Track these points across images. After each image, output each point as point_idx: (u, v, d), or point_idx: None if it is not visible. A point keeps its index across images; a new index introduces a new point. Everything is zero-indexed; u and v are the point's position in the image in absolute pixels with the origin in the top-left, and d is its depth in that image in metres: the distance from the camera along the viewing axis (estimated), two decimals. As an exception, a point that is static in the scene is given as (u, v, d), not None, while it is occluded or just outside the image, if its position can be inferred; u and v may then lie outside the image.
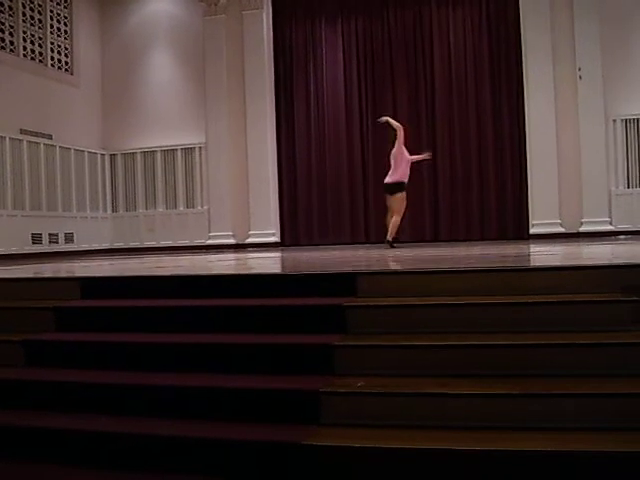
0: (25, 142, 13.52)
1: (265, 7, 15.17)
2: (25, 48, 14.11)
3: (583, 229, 13.29)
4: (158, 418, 4.09)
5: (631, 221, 13.18)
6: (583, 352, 4.07)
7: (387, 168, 11.23)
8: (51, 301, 5.48)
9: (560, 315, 4.40)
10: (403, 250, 10.33)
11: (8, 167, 13.05)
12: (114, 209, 16.05)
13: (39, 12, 14.51)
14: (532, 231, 13.61)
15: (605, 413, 3.62)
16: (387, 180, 11.15)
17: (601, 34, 13.32)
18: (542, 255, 7.83)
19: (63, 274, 7.85)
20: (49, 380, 4.57)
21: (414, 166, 11.40)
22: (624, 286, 4.56)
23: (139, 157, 15.87)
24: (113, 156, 16.04)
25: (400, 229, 11.45)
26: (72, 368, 4.72)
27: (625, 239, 12.16)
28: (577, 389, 3.78)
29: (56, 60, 14.93)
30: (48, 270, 8.54)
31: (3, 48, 13.51)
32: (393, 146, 11.07)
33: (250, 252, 12.79)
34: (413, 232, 14.04)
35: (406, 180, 11.10)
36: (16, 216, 13.20)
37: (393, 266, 6.50)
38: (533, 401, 3.74)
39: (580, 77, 13.32)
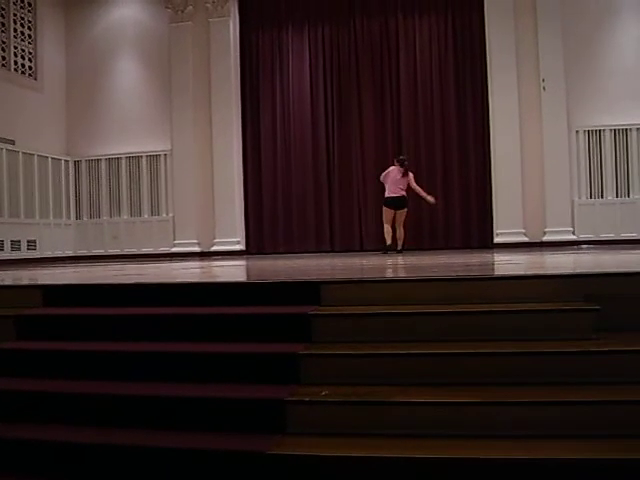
0: (-13, 148, 13.35)
1: (232, 15, 15.15)
2: (-13, 52, 13.96)
3: (546, 238, 13.43)
4: (119, 427, 4.05)
5: (593, 231, 13.36)
6: (547, 360, 4.10)
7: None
8: (12, 309, 5.40)
9: (524, 324, 4.43)
10: (367, 258, 10.36)
11: (-31, 173, 12.87)
12: (78, 216, 15.88)
13: (2, 15, 14.32)
14: (496, 240, 13.72)
15: (570, 421, 3.66)
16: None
17: (564, 46, 13.50)
18: (506, 264, 7.89)
19: (25, 282, 7.75)
20: (10, 389, 4.49)
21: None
22: (586, 295, 4.61)
23: (103, 164, 15.73)
24: (77, 162, 15.87)
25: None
26: (33, 377, 4.65)
27: (587, 249, 12.30)
28: (542, 397, 3.80)
29: (20, 65, 14.75)
30: (9, 278, 8.40)
31: (-35, 52, 13.35)
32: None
33: (215, 260, 12.72)
34: (378, 241, 14.07)
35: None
36: (-23, 223, 13.03)
37: (357, 275, 6.50)
38: (499, 409, 3.76)
39: (544, 88, 13.49)
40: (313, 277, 5.94)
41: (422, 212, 14.30)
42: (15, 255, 13.79)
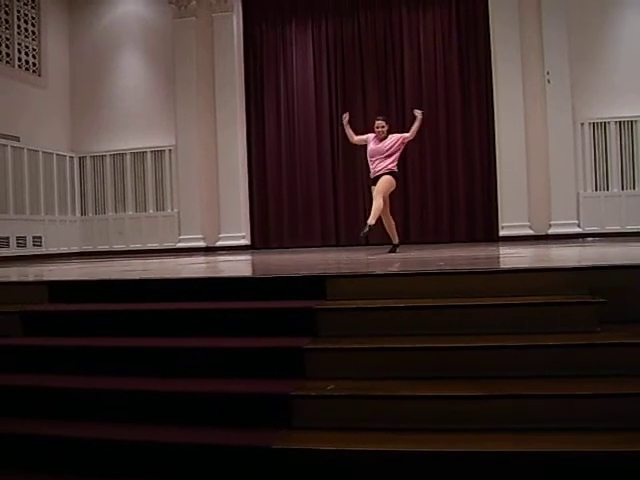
0: (-8, 144, 13.36)
1: (235, 10, 15.13)
2: (-8, 49, 13.96)
3: (552, 231, 13.40)
4: (125, 423, 4.05)
5: (599, 223, 13.32)
6: (552, 353, 4.10)
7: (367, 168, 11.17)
8: (18, 305, 5.41)
9: (529, 317, 4.43)
10: (372, 252, 10.35)
11: (-26, 170, 12.89)
12: (83, 212, 15.90)
13: (6, 12, 14.31)
14: (501, 233, 13.68)
15: (574, 413, 3.65)
16: None
17: (569, 39, 13.44)
18: (511, 257, 7.88)
19: (31, 278, 7.76)
20: (16, 385, 4.50)
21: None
22: (592, 287, 4.60)
23: (108, 160, 15.74)
24: (82, 159, 15.88)
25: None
26: (39, 373, 4.66)
27: (593, 241, 12.27)
28: (546, 390, 3.80)
29: (23, 61, 14.75)
30: (15, 274, 8.42)
31: (-31, 49, 13.35)
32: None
33: (220, 255, 12.73)
34: (382, 234, 14.05)
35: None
36: (-17, 219, 13.04)
37: (362, 269, 6.49)
38: (503, 402, 3.76)
39: (549, 81, 13.45)
40: (318, 271, 5.93)
41: (427, 206, 14.30)
42: (21, 251, 13.81)
